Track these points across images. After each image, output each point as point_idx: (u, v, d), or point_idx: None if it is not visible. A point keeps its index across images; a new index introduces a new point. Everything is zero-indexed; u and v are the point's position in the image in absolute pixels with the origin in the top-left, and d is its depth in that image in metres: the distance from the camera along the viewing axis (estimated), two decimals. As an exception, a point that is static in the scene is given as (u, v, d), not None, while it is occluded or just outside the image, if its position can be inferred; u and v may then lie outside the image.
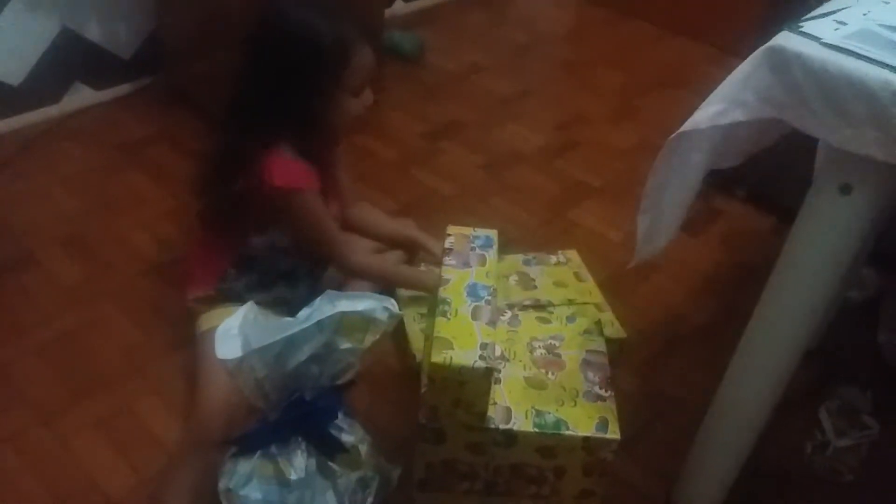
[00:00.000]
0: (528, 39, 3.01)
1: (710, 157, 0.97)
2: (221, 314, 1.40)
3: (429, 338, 1.20)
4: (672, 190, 1.00)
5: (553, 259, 1.69)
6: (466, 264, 1.20)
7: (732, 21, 2.96)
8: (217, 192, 1.40)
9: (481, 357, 1.02)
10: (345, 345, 1.05)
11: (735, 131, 0.98)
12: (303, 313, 1.03)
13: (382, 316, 1.05)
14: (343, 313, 1.01)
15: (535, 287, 1.57)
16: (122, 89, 2.35)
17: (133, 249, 1.82)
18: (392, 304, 1.07)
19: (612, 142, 2.41)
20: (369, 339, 1.07)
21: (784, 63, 0.85)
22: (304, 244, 1.45)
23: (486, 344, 1.04)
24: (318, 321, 1.00)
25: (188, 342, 1.48)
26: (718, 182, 2.20)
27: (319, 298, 1.05)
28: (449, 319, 1.08)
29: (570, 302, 1.54)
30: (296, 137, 1.34)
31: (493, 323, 1.09)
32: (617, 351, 1.48)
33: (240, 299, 1.42)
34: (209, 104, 2.22)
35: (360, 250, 1.49)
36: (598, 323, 1.32)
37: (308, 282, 1.53)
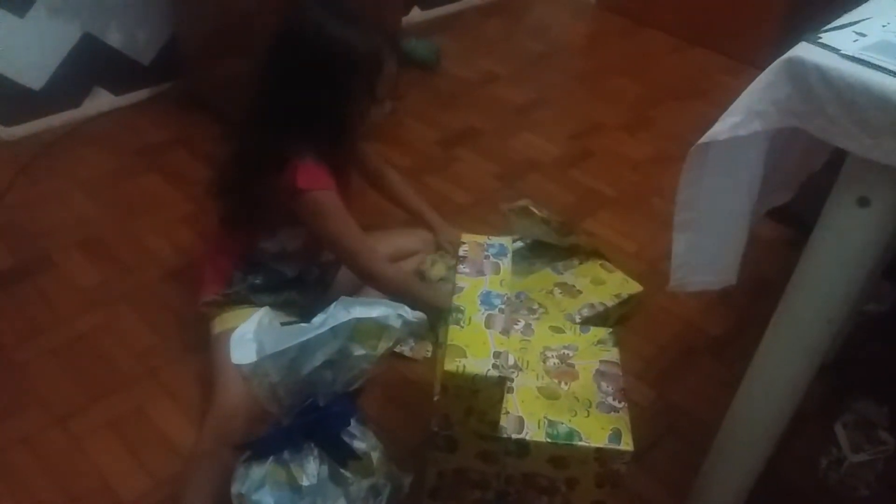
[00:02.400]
0: (544, 48, 3.01)
1: (751, 180, 0.96)
2: (234, 317, 1.43)
3: (442, 346, 1.20)
4: (709, 209, 0.99)
5: (576, 259, 1.70)
6: (480, 272, 1.20)
7: (749, 32, 2.96)
8: (234, 194, 1.41)
9: (494, 366, 1.02)
10: (358, 351, 1.05)
11: (782, 161, 0.97)
12: (317, 319, 1.03)
13: (396, 323, 1.05)
14: (357, 319, 1.02)
15: (581, 292, 1.59)
16: (141, 94, 2.38)
17: (150, 253, 1.83)
18: (405, 311, 1.07)
19: (627, 152, 2.40)
20: (383, 346, 1.07)
21: (803, 74, 0.85)
22: (326, 249, 1.46)
23: (500, 353, 1.04)
24: (333, 327, 1.00)
25: (202, 346, 1.49)
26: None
27: (334, 304, 1.06)
28: (462, 328, 1.08)
29: (617, 297, 1.56)
30: (320, 144, 1.34)
31: (506, 332, 1.09)
32: (635, 307, 1.49)
33: (249, 302, 1.44)
34: (227, 109, 2.23)
35: (383, 259, 1.48)
36: (612, 333, 1.31)
37: (317, 287, 1.53)
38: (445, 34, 2.95)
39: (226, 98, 2.22)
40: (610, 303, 1.57)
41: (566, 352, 1.26)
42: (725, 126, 0.91)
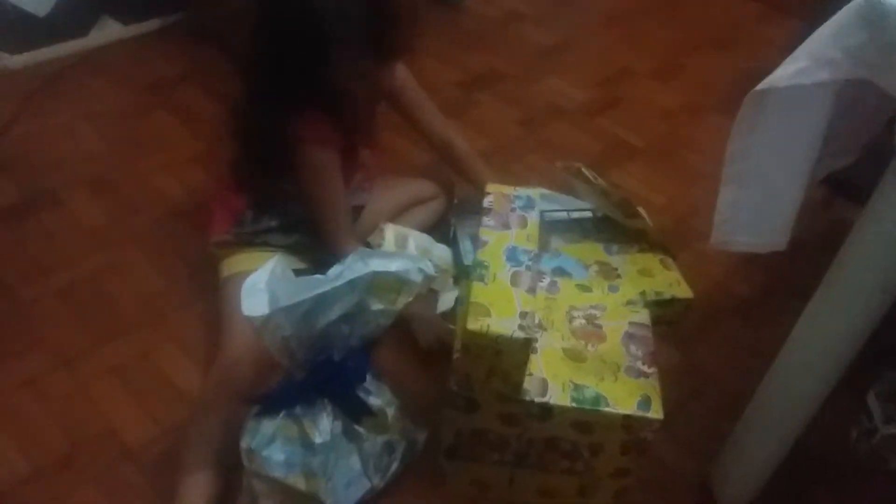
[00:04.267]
0: (573, -12, 2.87)
1: (812, 136, 0.87)
2: (243, 260, 1.37)
3: (463, 302, 1.13)
4: (762, 163, 0.91)
5: (636, 246, 1.59)
6: (506, 226, 1.12)
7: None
8: (248, 133, 1.33)
9: (520, 327, 0.96)
10: (376, 305, 0.99)
11: (847, 119, 0.88)
12: (333, 271, 0.97)
13: (416, 277, 0.99)
14: (375, 273, 0.95)
15: (619, 277, 1.48)
16: (151, 24, 2.28)
17: (158, 193, 1.77)
18: (427, 265, 1.01)
19: (657, 101, 2.30)
20: (402, 301, 1.01)
21: (881, 18, 0.76)
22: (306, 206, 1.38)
23: (526, 312, 0.98)
24: (350, 280, 0.94)
25: (211, 290, 1.44)
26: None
27: (351, 255, 0.99)
28: (486, 284, 1.02)
29: (657, 294, 1.43)
30: (325, 106, 1.27)
31: (532, 290, 1.02)
32: (682, 312, 1.41)
33: (260, 244, 1.38)
34: (237, 44, 2.13)
35: (351, 246, 1.38)
36: (643, 293, 1.24)
37: None
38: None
39: (236, 33, 2.12)
40: (646, 297, 1.45)
41: (593, 312, 1.19)
42: (788, 72, 0.82)
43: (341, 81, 1.25)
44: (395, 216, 1.60)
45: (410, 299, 1.01)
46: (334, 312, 0.96)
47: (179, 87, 2.10)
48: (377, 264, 0.97)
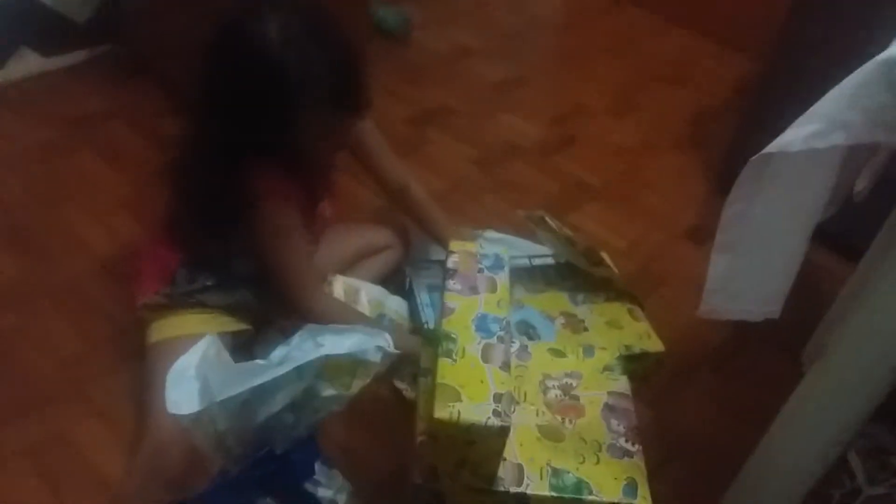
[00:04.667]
0: (520, 22, 2.81)
1: (817, 198, 0.79)
2: (175, 323, 1.23)
3: (426, 378, 1.01)
4: (761, 228, 0.82)
5: (602, 295, 1.50)
6: (474, 290, 1.01)
7: (739, 15, 2.80)
8: (188, 183, 1.19)
9: (495, 412, 0.84)
10: (328, 391, 0.86)
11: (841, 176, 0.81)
12: (277, 353, 0.84)
13: (375, 357, 0.86)
14: (327, 356, 0.82)
15: (587, 330, 1.37)
16: (75, 56, 2.11)
17: (81, 243, 1.60)
18: (387, 340, 0.88)
19: (613, 139, 2.23)
20: (357, 384, 0.88)
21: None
22: (265, 270, 1.23)
23: (501, 394, 0.86)
24: (297, 367, 0.80)
25: (138, 355, 1.28)
26: (725, 186, 2.02)
27: (298, 334, 0.86)
28: (455, 361, 0.90)
29: (626, 348, 1.33)
30: (286, 160, 1.15)
31: (506, 366, 0.91)
32: (654, 366, 1.31)
33: (196, 305, 1.24)
34: (174, 76, 1.99)
35: (328, 296, 1.27)
36: (620, 358, 1.14)
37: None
38: (415, 2, 2.72)
39: (173, 64, 1.98)
40: (615, 351, 1.35)
41: (569, 381, 1.08)
42: (800, 135, 0.74)
43: (307, 141, 1.14)
44: (346, 267, 1.47)
45: (367, 381, 0.88)
46: (278, 403, 0.83)
47: (106, 124, 1.93)
48: (330, 345, 0.84)
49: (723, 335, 1.64)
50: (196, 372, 0.82)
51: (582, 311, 1.45)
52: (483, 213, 1.85)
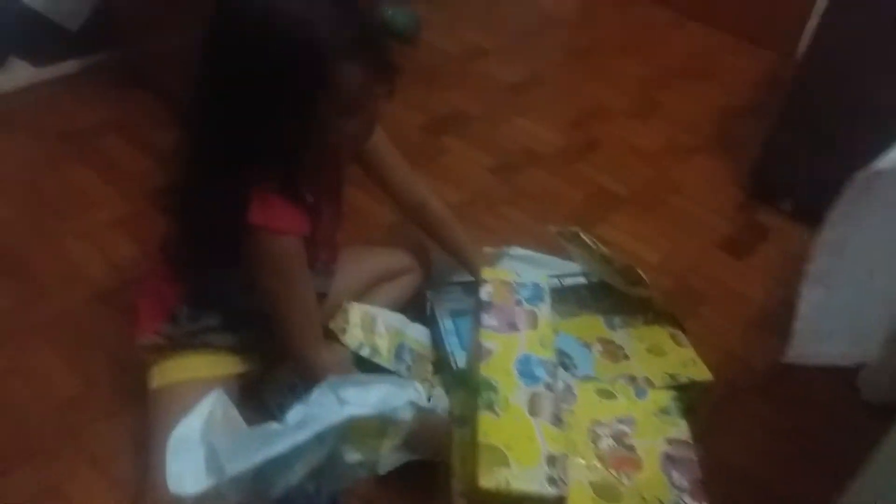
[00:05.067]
0: (534, 21, 2.69)
1: None
2: (179, 366, 1.12)
3: (462, 428, 0.89)
4: (863, 260, 0.70)
5: (641, 318, 1.38)
6: (513, 326, 0.89)
7: (757, 10, 2.68)
8: (180, 214, 1.07)
9: (550, 480, 0.73)
10: (353, 456, 0.75)
11: None
12: (294, 415, 0.72)
13: (406, 415, 0.75)
14: (352, 417, 0.71)
15: (627, 358, 1.25)
16: (68, 66, 1.99)
17: (74, 269, 1.48)
18: (418, 391, 0.77)
19: (637, 142, 2.11)
20: (387, 445, 0.77)
21: None
22: (263, 305, 1.10)
23: (555, 457, 0.74)
24: (318, 433, 0.69)
25: (141, 396, 1.17)
26: (760, 191, 1.93)
27: (318, 389, 0.74)
28: (498, 416, 0.78)
29: (671, 377, 1.21)
30: (277, 172, 1.00)
31: (558, 419, 0.79)
32: (700, 396, 1.19)
33: (198, 345, 1.12)
34: (172, 86, 1.87)
35: (325, 347, 1.14)
36: (678, 398, 1.02)
37: None
38: (425, 1, 2.60)
39: (170, 74, 1.87)
40: (658, 383, 1.21)
41: (622, 427, 0.96)
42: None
43: (329, 130, 0.96)
44: (361, 293, 1.35)
45: (398, 441, 0.76)
46: (297, 473, 0.71)
47: (100, 138, 1.82)
48: (354, 404, 0.73)
49: (769, 357, 1.52)
50: (201, 438, 0.71)
51: (620, 336, 1.34)
52: (504, 227, 1.74)
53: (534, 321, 0.91)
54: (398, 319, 1.36)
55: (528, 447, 0.75)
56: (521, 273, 0.98)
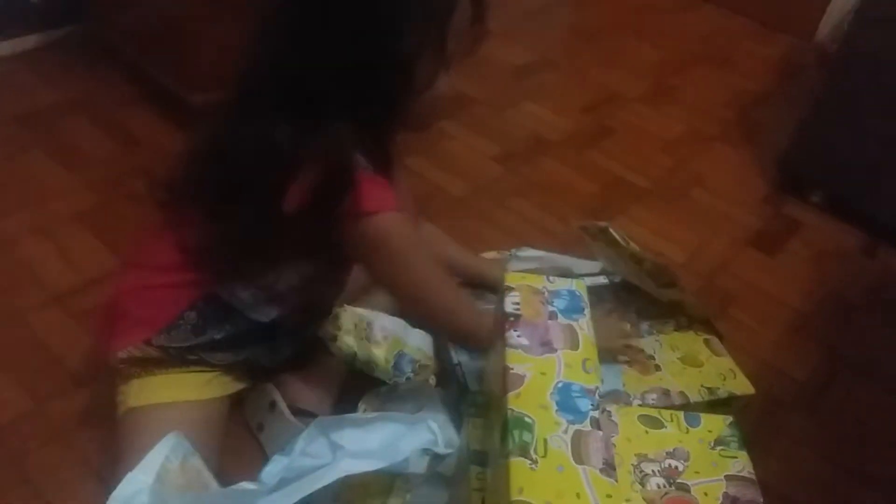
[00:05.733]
0: (540, 1, 2.52)
1: None
2: (165, 384, 0.95)
3: (487, 469, 0.72)
4: None
5: (672, 323, 1.22)
6: (547, 346, 0.72)
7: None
8: (215, 211, 0.90)
9: (609, 552, 0.55)
10: (353, 519, 0.57)
11: None
12: (273, 470, 0.55)
13: (418, 466, 0.58)
14: (345, 479, 0.53)
15: (658, 369, 1.09)
16: (28, 41, 1.81)
17: (26, 268, 1.30)
18: (433, 432, 0.60)
19: (653, 129, 1.95)
20: (396, 503, 0.59)
21: None
22: (393, 294, 1.02)
23: (611, 518, 0.57)
24: (304, 498, 0.52)
25: (95, 420, 0.99)
26: (788, 183, 1.77)
27: (305, 433, 0.57)
28: (535, 464, 0.61)
29: (709, 392, 1.05)
30: (368, 134, 0.84)
31: (610, 465, 0.62)
32: (740, 412, 1.04)
33: (194, 361, 0.95)
34: (142, 62, 1.69)
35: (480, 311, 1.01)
36: (734, 424, 0.85)
37: (292, 342, 1.06)
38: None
39: (137, 48, 1.69)
40: (694, 397, 1.07)
41: (673, 463, 0.80)
42: None
43: (407, 83, 0.82)
44: (355, 296, 1.18)
45: (409, 497, 0.59)
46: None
47: (62, 119, 1.63)
48: (350, 452, 0.55)
49: (809, 365, 1.37)
50: (150, 498, 0.53)
51: (649, 344, 1.18)
52: (512, 222, 1.57)
53: (574, 339, 0.74)
54: (397, 324, 1.19)
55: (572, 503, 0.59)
56: (553, 278, 0.81)
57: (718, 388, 1.11)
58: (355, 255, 0.93)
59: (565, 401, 0.67)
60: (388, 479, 0.58)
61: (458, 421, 0.91)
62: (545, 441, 0.63)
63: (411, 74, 0.81)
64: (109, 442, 1.03)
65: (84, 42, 1.82)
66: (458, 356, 1.12)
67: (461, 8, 0.82)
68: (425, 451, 0.59)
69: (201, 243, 0.91)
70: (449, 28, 0.81)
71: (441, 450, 0.60)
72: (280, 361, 1.05)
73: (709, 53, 2.36)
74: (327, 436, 0.57)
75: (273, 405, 1.06)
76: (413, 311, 1.03)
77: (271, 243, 0.89)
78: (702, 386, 1.11)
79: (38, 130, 1.59)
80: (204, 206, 0.92)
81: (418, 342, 1.19)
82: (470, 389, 1.03)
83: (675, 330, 1.22)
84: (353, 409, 1.09)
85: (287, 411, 1.04)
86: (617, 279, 1.32)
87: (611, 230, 1.16)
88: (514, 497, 0.59)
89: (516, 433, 0.64)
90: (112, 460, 0.92)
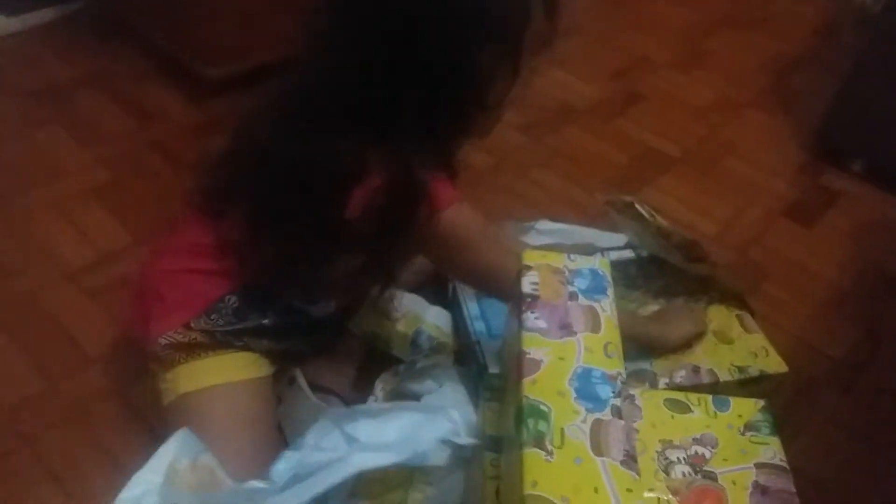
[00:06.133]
0: (564, -40, 2.43)
1: None
2: (213, 368, 0.92)
3: (501, 456, 0.69)
4: None
5: (703, 299, 1.17)
6: (566, 329, 0.68)
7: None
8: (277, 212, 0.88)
9: (630, 553, 0.52)
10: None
11: None
12: (284, 466, 0.52)
13: (439, 458, 0.55)
14: (361, 474, 0.50)
15: (690, 345, 1.06)
16: (42, 15, 1.78)
17: (44, 245, 1.28)
18: (453, 422, 0.56)
19: (685, 96, 1.87)
20: (415, 499, 0.56)
21: None
22: (471, 284, 1.06)
23: (633, 517, 0.53)
24: (314, 496, 0.48)
25: (106, 398, 0.97)
26: (827, 151, 1.69)
27: (315, 425, 0.54)
28: (550, 455, 0.57)
29: (739, 370, 1.01)
30: (435, 144, 0.84)
31: (632, 457, 0.58)
32: (773, 391, 0.99)
33: (239, 346, 0.94)
34: (157, 37, 1.66)
35: None
36: (766, 408, 0.81)
37: (332, 332, 1.06)
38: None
39: (152, 21, 1.65)
40: (724, 376, 1.02)
41: (699, 450, 0.75)
42: None
43: (479, 97, 0.82)
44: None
45: (429, 491, 0.56)
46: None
47: (77, 94, 1.61)
48: (366, 445, 0.52)
49: (846, 343, 1.31)
50: (159, 500, 0.50)
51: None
52: (536, 194, 1.52)
53: (596, 321, 0.69)
54: (415, 301, 1.17)
55: (593, 500, 0.55)
56: (574, 256, 0.76)
57: (750, 367, 1.07)
58: (424, 249, 0.95)
59: (585, 387, 0.63)
60: (408, 472, 0.55)
61: (476, 401, 0.89)
62: (562, 431, 0.59)
63: (484, 93, 0.82)
64: (123, 422, 1.03)
65: (97, 16, 1.79)
66: (478, 335, 1.09)
67: (534, 22, 0.82)
68: (445, 441, 0.55)
69: (247, 239, 0.89)
70: (523, 44, 0.81)
71: (463, 440, 0.56)
72: (317, 348, 1.04)
73: (741, 14, 2.26)
74: (341, 428, 0.54)
75: (292, 380, 1.04)
76: (488, 294, 1.05)
77: (327, 247, 0.87)
78: (732, 364, 1.06)
79: (52, 106, 1.57)
80: (249, 208, 0.90)
81: (436, 320, 1.17)
82: (488, 369, 1.00)
83: (707, 306, 1.17)
84: (371, 388, 1.07)
85: (307, 388, 1.02)
86: (644, 253, 1.26)
87: (636, 205, 1.11)
88: (528, 491, 0.55)
89: (531, 422, 0.60)
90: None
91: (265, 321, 0.95)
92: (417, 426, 0.56)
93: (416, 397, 0.94)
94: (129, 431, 1.01)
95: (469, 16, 0.76)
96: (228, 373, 0.92)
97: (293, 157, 0.82)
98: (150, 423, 1.02)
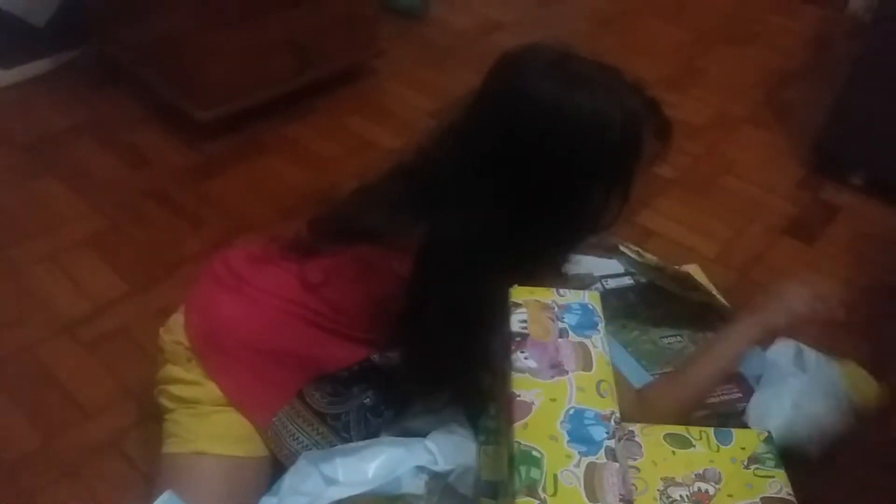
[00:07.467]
0: (553, -13, 2.45)
1: None
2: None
3: (495, 500, 0.67)
4: None
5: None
6: (557, 368, 0.67)
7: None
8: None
9: None
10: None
11: None
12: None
13: (414, 486, 0.53)
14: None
15: None
16: (37, 67, 1.80)
17: (40, 297, 1.28)
18: (429, 452, 0.55)
19: (679, 115, 1.83)
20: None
21: None
22: None
23: (630, 567, 0.51)
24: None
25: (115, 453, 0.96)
26: (826, 164, 1.67)
27: (291, 471, 0.53)
28: (543, 503, 0.55)
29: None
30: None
31: (628, 502, 0.56)
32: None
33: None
34: (149, 81, 1.67)
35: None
36: (769, 439, 0.78)
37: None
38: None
39: (145, 66, 1.66)
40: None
41: (702, 486, 0.73)
42: None
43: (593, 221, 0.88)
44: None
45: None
46: None
47: (72, 143, 1.62)
48: (345, 483, 0.51)
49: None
50: None
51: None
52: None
53: (587, 359, 0.67)
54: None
55: (590, 552, 0.53)
56: (563, 291, 0.75)
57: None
58: None
59: (577, 429, 0.61)
60: (387, 501, 0.53)
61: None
62: (555, 477, 0.58)
63: (597, 221, 0.87)
64: (118, 478, 1.01)
65: (91, 63, 1.81)
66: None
67: (645, 152, 0.88)
68: (420, 469, 0.54)
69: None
70: (634, 177, 0.86)
71: (440, 468, 0.55)
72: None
73: (734, 31, 2.26)
74: (319, 469, 0.52)
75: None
76: None
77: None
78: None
79: (47, 156, 1.58)
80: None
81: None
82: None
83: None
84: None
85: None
86: (643, 280, 1.25)
87: (621, 247, 1.11)
88: (521, 544, 0.53)
89: (523, 469, 0.58)
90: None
91: (366, 400, 0.82)
92: (397, 461, 0.54)
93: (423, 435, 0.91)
94: (123, 486, 1.00)
95: (584, 159, 0.82)
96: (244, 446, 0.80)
97: (444, 297, 0.81)
98: (143, 473, 1.00)
